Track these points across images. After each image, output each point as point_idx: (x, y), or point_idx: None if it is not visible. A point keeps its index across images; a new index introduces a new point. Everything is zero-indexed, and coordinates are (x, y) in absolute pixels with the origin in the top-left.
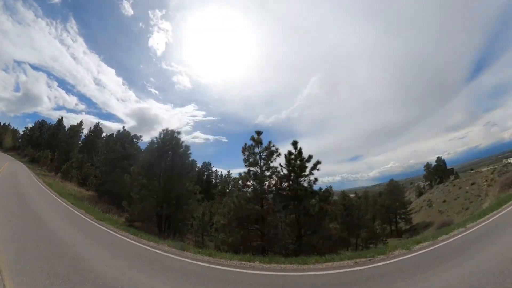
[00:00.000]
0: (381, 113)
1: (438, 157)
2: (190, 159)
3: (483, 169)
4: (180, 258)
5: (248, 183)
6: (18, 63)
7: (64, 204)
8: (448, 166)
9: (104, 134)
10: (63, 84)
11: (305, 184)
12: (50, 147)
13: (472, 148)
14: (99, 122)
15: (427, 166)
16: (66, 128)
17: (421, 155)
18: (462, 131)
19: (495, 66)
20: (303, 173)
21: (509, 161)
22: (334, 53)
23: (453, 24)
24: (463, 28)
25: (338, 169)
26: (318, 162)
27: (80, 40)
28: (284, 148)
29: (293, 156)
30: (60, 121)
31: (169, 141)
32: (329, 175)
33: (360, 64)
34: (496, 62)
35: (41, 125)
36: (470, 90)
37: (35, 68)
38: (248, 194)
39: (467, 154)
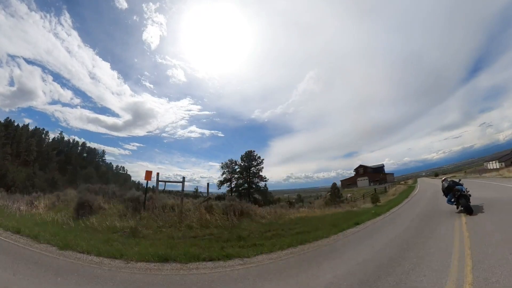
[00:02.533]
0: (376, 110)
1: (248, 151)
2: None
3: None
4: None
5: None
6: (12, 57)
7: None
8: (444, 165)
9: None
10: (58, 78)
11: None
12: None
13: (467, 148)
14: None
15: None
16: None
17: (416, 153)
18: (458, 130)
19: (492, 67)
20: None
21: (489, 165)
22: (330, 49)
23: (452, 22)
24: (462, 27)
25: (333, 165)
26: None
27: (75, 33)
28: (280, 143)
29: None
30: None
31: None
32: (324, 170)
33: (356, 61)
34: (494, 63)
35: None
36: (466, 90)
37: (30, 62)
38: None
39: (462, 154)
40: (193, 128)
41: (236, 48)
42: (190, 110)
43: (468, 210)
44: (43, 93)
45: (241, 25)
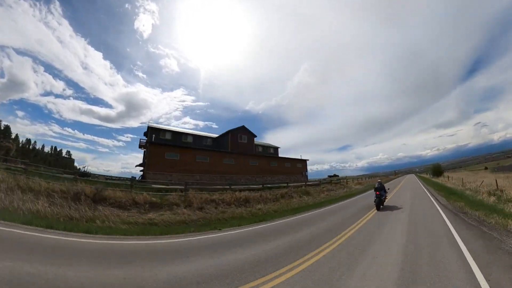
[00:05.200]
0: (372, 105)
1: None
2: None
3: None
4: None
5: None
6: (1, 47)
7: None
8: (437, 162)
9: None
10: (50, 69)
11: None
12: None
13: (461, 146)
14: None
15: None
16: None
17: (411, 149)
18: (453, 129)
19: (490, 69)
20: None
21: None
22: (327, 41)
23: (452, 22)
24: (462, 27)
25: (327, 157)
26: None
27: (65, 22)
28: (275, 135)
29: None
30: None
31: None
32: (318, 163)
33: (353, 54)
34: (491, 65)
35: None
36: (463, 89)
37: (20, 52)
38: None
39: (456, 152)
40: (187, 119)
41: (231, 38)
42: (183, 101)
43: (377, 207)
44: (35, 85)
45: (236, 15)
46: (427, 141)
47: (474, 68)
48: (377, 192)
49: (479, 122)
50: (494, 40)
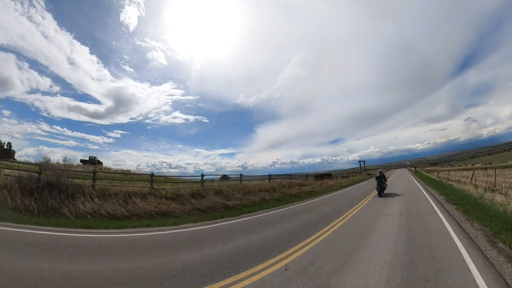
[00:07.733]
0: (364, 98)
1: None
2: None
3: None
4: None
5: None
6: None
7: None
8: (428, 156)
9: None
10: (35, 65)
11: None
12: None
13: (452, 140)
14: None
15: None
16: None
17: (402, 143)
18: (443, 123)
19: (481, 64)
20: None
21: None
22: (318, 33)
23: (445, 15)
24: (456, 22)
25: (319, 151)
26: None
27: (49, 16)
28: (267, 129)
29: None
30: None
31: None
32: (309, 156)
33: (345, 47)
34: (483, 61)
35: None
36: (454, 84)
37: (2, 48)
38: None
39: (447, 146)
40: (177, 113)
41: (220, 30)
42: (173, 95)
43: (379, 194)
44: (20, 82)
45: (225, 7)
46: (418, 135)
47: (465, 63)
48: (379, 181)
49: (470, 117)
50: (486, 36)
